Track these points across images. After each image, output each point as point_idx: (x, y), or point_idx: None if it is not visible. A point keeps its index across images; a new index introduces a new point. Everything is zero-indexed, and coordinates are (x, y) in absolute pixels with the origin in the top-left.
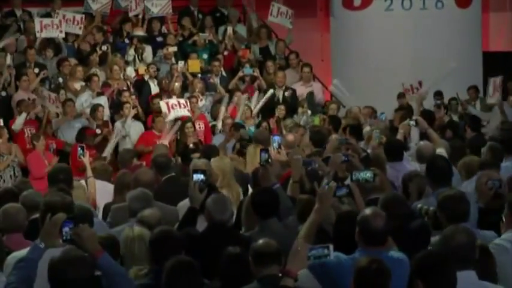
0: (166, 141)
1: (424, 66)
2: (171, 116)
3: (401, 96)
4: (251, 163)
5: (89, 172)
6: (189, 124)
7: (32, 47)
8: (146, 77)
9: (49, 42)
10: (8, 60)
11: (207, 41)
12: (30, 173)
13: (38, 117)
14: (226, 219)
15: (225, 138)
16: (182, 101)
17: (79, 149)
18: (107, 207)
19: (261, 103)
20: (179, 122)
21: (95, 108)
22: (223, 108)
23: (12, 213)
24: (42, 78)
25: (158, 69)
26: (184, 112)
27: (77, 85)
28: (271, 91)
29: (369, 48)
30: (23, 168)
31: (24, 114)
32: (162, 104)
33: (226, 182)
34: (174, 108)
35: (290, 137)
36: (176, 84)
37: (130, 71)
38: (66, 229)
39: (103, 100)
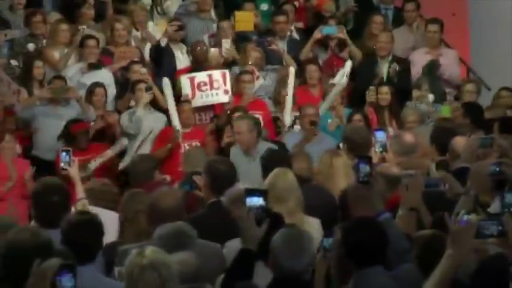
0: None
1: None
2: (197, 101)
3: None
4: (337, 179)
5: (80, 192)
6: (239, 113)
7: None
8: (163, 42)
9: None
10: None
11: None
12: None
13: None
14: (301, 268)
15: (304, 137)
16: (217, 75)
17: (62, 154)
18: (110, 249)
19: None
20: None
21: (91, 89)
22: (291, 92)
23: None
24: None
25: (182, 28)
26: (219, 98)
27: (58, 53)
28: (349, 63)
29: None
30: None
31: None
32: (184, 81)
33: (292, 209)
34: (203, 89)
35: (408, 138)
36: (212, 50)
37: (151, 28)
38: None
39: (105, 77)
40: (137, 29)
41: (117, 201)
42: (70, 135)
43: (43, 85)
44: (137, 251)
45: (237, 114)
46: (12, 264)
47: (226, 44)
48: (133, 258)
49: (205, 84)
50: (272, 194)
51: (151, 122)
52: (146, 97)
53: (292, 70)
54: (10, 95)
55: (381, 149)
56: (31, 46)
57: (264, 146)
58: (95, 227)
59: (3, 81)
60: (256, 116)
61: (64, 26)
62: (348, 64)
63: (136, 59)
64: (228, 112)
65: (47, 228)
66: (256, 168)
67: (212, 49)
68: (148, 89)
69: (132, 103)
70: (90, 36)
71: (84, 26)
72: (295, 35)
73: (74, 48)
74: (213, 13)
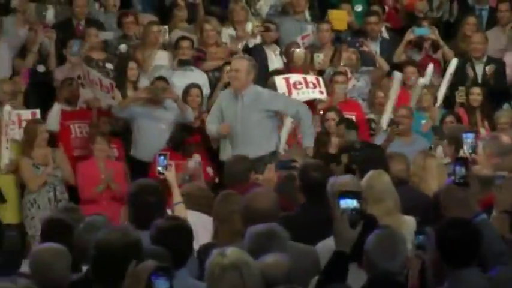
0: None
1: None
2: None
3: None
4: (430, 180)
5: (177, 196)
6: (332, 113)
7: None
8: (252, 42)
9: None
10: (50, 15)
11: None
12: (80, 193)
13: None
14: (396, 269)
15: (386, 138)
16: (311, 78)
17: (160, 158)
18: (204, 251)
19: (445, 82)
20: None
21: (186, 90)
22: (394, 96)
23: (49, 265)
24: (97, 45)
25: (270, 29)
26: (315, 95)
27: (153, 55)
28: (454, 61)
29: None
30: (71, 186)
31: (57, 105)
32: (279, 81)
33: (390, 210)
34: (299, 87)
35: (506, 139)
36: (298, 51)
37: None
38: None
39: (199, 77)
40: (235, 29)
41: (212, 205)
42: (181, 142)
43: (136, 87)
44: (218, 251)
45: (330, 114)
46: (102, 265)
47: (318, 58)
48: (214, 259)
49: (300, 83)
50: (369, 195)
51: None
52: None
53: (398, 75)
54: (104, 96)
55: (470, 151)
56: (123, 47)
57: (252, 89)
58: (185, 232)
59: (94, 82)
60: (350, 117)
61: (156, 28)
62: (454, 62)
63: (228, 60)
64: (321, 112)
65: (141, 229)
66: (244, 111)
67: (297, 50)
68: None
69: None
70: (184, 38)
71: (166, 27)
72: (386, 36)
73: (156, 49)
74: (307, 14)
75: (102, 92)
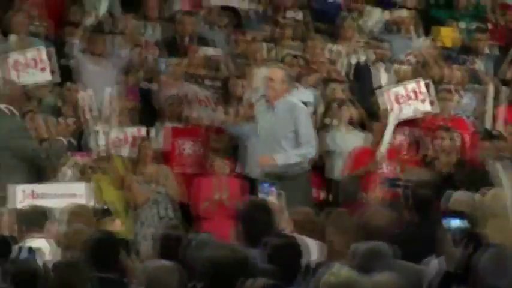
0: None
1: None
2: (397, 114)
3: None
4: None
5: (283, 222)
6: (444, 133)
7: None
8: (355, 58)
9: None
10: (154, 32)
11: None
12: (194, 210)
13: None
14: (505, 287)
15: None
16: (411, 84)
17: (263, 186)
18: (313, 269)
19: None
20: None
21: None
22: (490, 110)
23: (161, 281)
24: (199, 62)
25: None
26: (420, 105)
27: (259, 72)
28: None
29: None
30: (182, 203)
31: (165, 123)
32: (381, 95)
33: (500, 227)
34: (402, 101)
35: None
36: (403, 68)
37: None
38: None
39: (305, 94)
40: (341, 44)
41: (316, 230)
42: None
43: (241, 104)
44: (330, 271)
45: (439, 132)
46: (211, 282)
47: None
48: (325, 278)
49: (402, 96)
50: (484, 212)
51: (350, 141)
52: (345, 114)
53: (490, 89)
54: (214, 115)
55: None
56: (229, 65)
57: (286, 100)
58: (296, 249)
59: (200, 99)
60: (456, 134)
61: (262, 45)
62: None
63: (335, 76)
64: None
65: (251, 246)
66: (276, 121)
67: (403, 67)
68: (345, 105)
69: (329, 121)
70: (290, 55)
71: (272, 44)
72: (493, 53)
73: (263, 66)
74: (412, 31)
75: (207, 108)
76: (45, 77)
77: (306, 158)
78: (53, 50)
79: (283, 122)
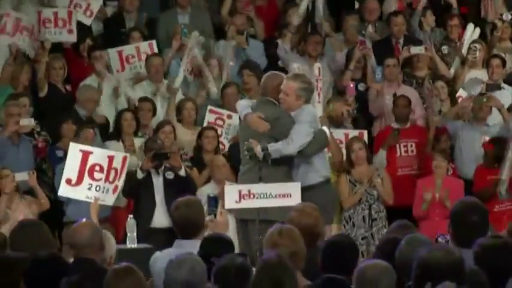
0: None
1: None
2: None
3: None
4: None
5: None
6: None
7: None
8: None
9: None
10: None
11: None
12: (414, 210)
13: None
14: None
15: None
16: None
17: None
18: None
19: None
20: None
21: None
22: None
23: (375, 281)
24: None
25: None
26: None
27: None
28: None
29: None
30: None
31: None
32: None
33: None
34: None
35: None
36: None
37: None
38: None
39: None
40: None
41: None
42: None
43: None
44: None
45: None
46: (422, 282)
47: None
48: None
49: None
50: None
51: None
52: None
53: None
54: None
55: None
56: (444, 49)
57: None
58: (509, 251)
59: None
60: None
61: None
62: None
63: None
64: None
65: (463, 247)
66: None
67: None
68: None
69: None
70: (497, 56)
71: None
72: None
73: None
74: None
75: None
76: None
77: (280, 152)
78: None
79: None
